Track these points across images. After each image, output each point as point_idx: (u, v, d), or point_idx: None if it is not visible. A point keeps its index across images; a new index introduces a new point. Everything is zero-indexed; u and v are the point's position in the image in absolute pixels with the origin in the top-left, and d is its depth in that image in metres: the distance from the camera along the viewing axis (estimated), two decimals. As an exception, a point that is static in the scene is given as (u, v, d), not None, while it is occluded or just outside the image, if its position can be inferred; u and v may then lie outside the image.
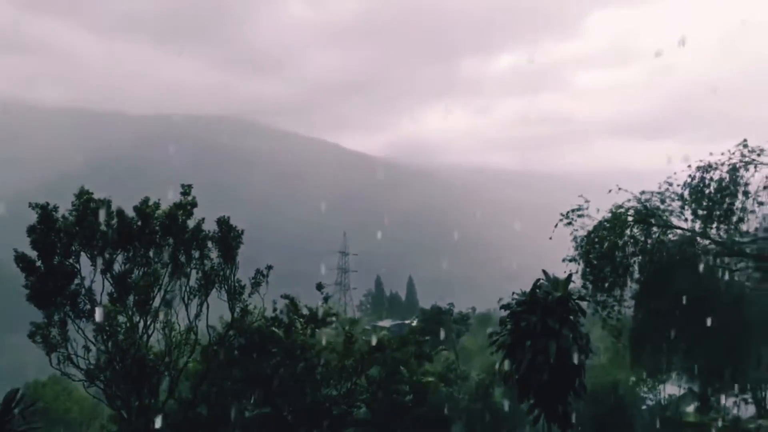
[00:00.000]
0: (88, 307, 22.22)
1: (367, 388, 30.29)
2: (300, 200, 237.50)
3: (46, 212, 22.43)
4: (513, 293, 21.70)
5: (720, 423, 27.19)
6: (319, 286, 30.49)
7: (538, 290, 20.67)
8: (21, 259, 22.21)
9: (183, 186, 24.44)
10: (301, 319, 28.98)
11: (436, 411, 33.01)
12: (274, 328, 27.89)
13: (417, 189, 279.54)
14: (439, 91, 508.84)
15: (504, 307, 21.49)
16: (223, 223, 24.79)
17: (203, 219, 24.41)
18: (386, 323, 65.41)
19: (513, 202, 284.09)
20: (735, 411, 29.49)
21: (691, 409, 33.51)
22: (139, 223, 23.46)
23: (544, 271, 21.33)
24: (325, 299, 30.74)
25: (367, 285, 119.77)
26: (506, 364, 20.70)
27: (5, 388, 22.07)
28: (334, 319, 31.40)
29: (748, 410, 29.30)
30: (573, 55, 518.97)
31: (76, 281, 22.64)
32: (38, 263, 22.39)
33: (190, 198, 24.26)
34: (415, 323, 49.98)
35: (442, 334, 45.63)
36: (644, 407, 35.41)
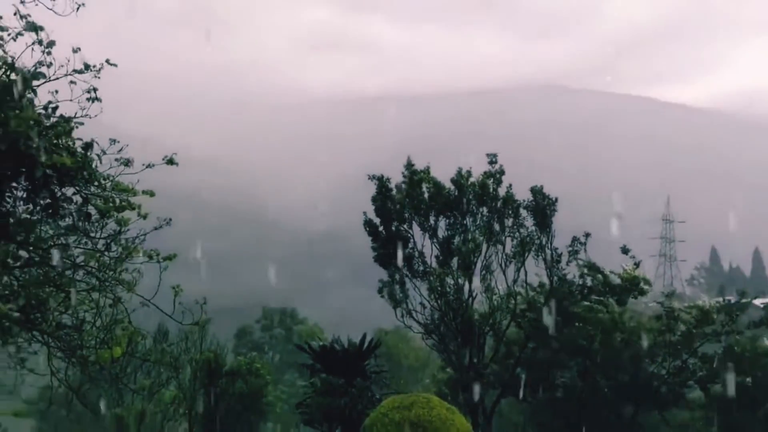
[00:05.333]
0: (422, 268, 25.00)
1: (701, 367, 26.66)
2: (617, 162, 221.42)
3: (381, 183, 25.84)
4: None
5: None
6: (625, 250, 27.51)
7: None
8: (368, 223, 26.15)
9: (488, 155, 25.37)
10: (613, 288, 26.87)
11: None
12: (585, 302, 26.63)
13: (758, 144, 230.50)
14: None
15: None
16: (536, 191, 24.86)
17: (510, 185, 24.94)
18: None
19: None
20: None
21: None
22: (456, 193, 25.17)
23: None
24: (636, 264, 27.72)
25: (699, 257, 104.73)
26: None
27: (357, 334, 26.48)
28: (648, 287, 28.32)
29: None
30: None
31: (410, 245, 25.64)
32: (380, 228, 26.03)
33: (497, 167, 24.96)
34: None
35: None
36: None
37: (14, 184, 8.21)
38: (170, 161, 9.67)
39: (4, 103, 7.70)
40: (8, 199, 8.39)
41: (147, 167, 9.40)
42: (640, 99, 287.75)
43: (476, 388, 23.80)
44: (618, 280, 27.26)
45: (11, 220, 8.35)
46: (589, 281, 27.32)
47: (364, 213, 25.93)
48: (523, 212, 25.18)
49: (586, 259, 27.05)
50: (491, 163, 25.37)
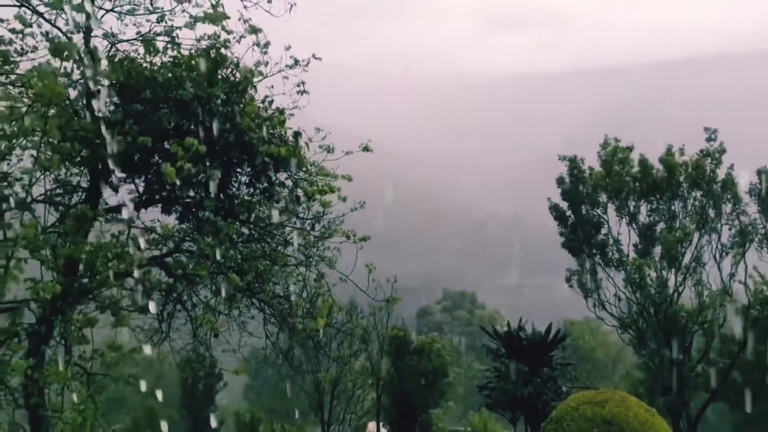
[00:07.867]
0: (617, 256, 23.08)
1: None
2: None
3: (573, 164, 24.26)
4: None
5: None
6: None
7: None
8: (554, 209, 24.86)
9: (706, 130, 22.40)
10: None
11: None
12: None
13: None
14: None
15: None
16: (765, 173, 21.38)
17: (732, 165, 21.84)
18: None
19: None
20: None
21: None
22: (665, 174, 22.76)
23: None
24: None
25: None
26: None
27: (539, 321, 25.47)
28: None
29: None
30: None
31: (604, 231, 23.78)
32: (568, 213, 24.55)
33: (717, 144, 22.02)
34: None
35: None
36: None
37: (239, 170, 9.38)
38: (365, 148, 10.24)
39: (231, 99, 8.80)
40: (233, 184, 9.63)
41: (346, 154, 10.06)
42: None
43: (680, 391, 21.41)
44: None
45: (236, 202, 9.57)
46: None
47: (548, 199, 24.69)
48: (746, 197, 21.86)
49: None
50: (709, 140, 22.32)
